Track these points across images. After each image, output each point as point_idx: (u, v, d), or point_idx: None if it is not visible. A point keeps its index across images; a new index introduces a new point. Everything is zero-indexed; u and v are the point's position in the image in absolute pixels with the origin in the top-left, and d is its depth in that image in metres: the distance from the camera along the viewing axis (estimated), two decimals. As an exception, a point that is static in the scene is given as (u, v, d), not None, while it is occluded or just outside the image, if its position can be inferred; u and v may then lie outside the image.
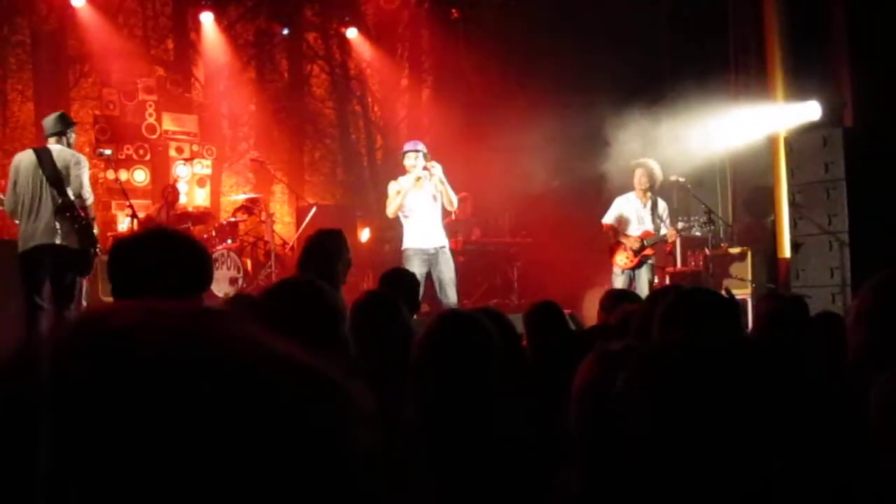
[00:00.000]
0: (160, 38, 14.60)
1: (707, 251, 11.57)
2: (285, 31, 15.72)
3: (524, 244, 13.78)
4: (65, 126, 8.33)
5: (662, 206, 10.79)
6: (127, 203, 10.54)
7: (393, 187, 9.84)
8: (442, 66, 15.81)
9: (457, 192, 10.17)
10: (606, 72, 12.86)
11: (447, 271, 9.72)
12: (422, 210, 9.77)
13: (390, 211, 9.83)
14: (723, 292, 9.61)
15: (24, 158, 8.15)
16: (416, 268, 9.44)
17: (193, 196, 14.12)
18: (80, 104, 13.59)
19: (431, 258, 9.69)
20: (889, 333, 2.67)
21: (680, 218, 11.78)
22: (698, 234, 11.42)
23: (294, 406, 0.66)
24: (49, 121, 8.44)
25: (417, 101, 16.49)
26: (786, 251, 11.55)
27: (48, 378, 0.62)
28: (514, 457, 2.57)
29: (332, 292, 2.92)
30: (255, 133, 15.21)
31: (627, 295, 5.93)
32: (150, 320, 0.68)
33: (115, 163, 12.04)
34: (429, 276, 9.67)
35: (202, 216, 13.23)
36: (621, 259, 10.44)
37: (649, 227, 10.56)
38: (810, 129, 11.43)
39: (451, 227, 12.97)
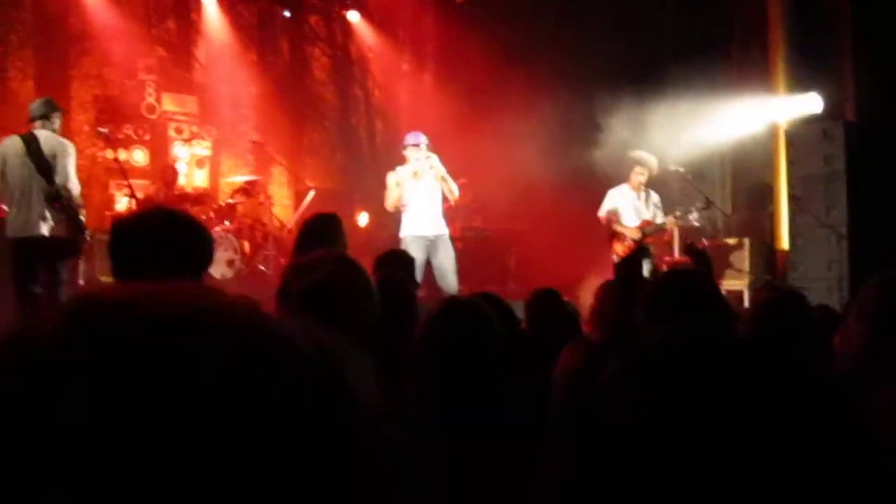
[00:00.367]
0: (161, 17, 14.54)
1: (705, 242, 11.57)
2: (287, 14, 15.68)
3: (522, 231, 13.78)
4: (49, 110, 8.23)
5: (656, 196, 10.79)
6: (125, 183, 10.52)
7: (392, 178, 9.82)
8: (444, 52, 15.77)
9: (456, 178, 10.15)
10: (607, 59, 12.85)
11: (447, 258, 9.73)
12: (421, 198, 9.76)
13: (389, 204, 9.82)
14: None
15: (12, 145, 8.03)
16: (415, 255, 9.44)
17: (192, 177, 14.10)
18: (81, 83, 13.54)
19: (430, 245, 9.68)
20: (891, 333, 2.66)
21: (678, 208, 11.76)
22: (697, 224, 11.41)
23: (299, 391, 0.65)
24: (34, 105, 8.38)
25: (419, 86, 16.45)
26: (784, 243, 11.55)
27: (48, 361, 0.61)
28: (516, 442, 2.57)
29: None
30: (256, 115, 15.17)
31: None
32: (149, 298, 0.66)
33: (114, 142, 12.00)
34: (427, 263, 9.67)
35: (201, 197, 13.21)
36: (621, 249, 10.44)
37: (647, 216, 10.56)
38: (811, 121, 11.43)
39: (451, 213, 12.95)
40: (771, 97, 12.20)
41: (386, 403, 0.71)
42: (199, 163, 14.30)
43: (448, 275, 9.62)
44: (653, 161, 10.67)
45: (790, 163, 11.28)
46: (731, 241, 11.94)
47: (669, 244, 11.77)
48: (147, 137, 13.67)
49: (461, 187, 13.30)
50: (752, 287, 10.81)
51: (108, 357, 0.61)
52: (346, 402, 0.67)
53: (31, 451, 0.58)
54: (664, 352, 1.33)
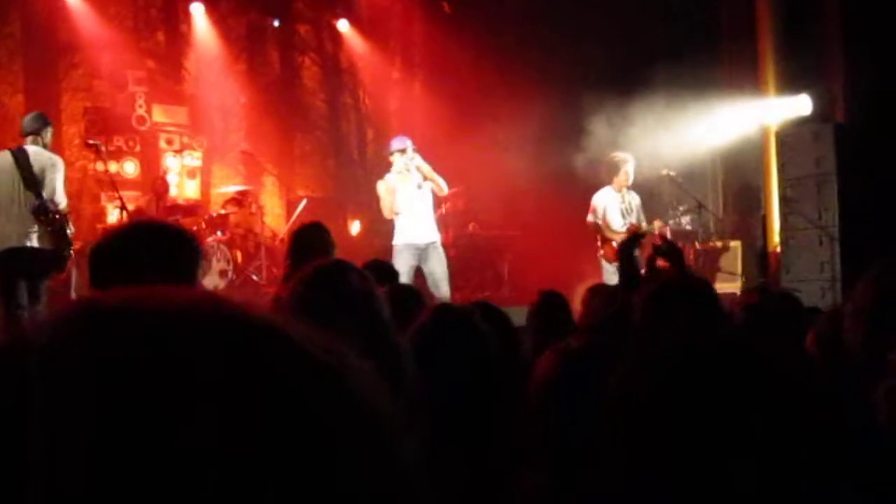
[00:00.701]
0: (151, 29, 14.52)
1: (697, 245, 11.59)
2: (276, 23, 15.67)
3: (514, 237, 13.80)
4: (41, 126, 8.40)
5: (637, 198, 10.78)
6: (116, 195, 10.50)
7: (382, 187, 9.84)
8: (433, 60, 15.78)
9: (450, 186, 10.16)
10: (596, 63, 12.89)
11: (439, 266, 9.73)
12: (412, 205, 9.76)
13: (387, 213, 9.83)
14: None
15: (1, 160, 8.17)
16: (406, 262, 9.45)
17: (183, 188, 14.07)
18: (71, 95, 13.51)
19: (422, 253, 9.69)
20: (888, 329, 2.65)
21: (669, 211, 11.78)
22: (688, 227, 11.42)
23: (308, 396, 0.63)
24: (26, 120, 8.56)
25: (409, 94, 16.46)
26: (776, 245, 11.57)
27: (41, 367, 0.59)
28: (507, 452, 2.56)
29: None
30: (246, 125, 15.15)
31: (608, 289, 5.92)
32: (149, 302, 0.65)
33: (106, 154, 11.98)
34: (419, 270, 9.67)
35: (192, 208, 13.19)
36: (611, 255, 10.42)
37: (633, 220, 10.55)
38: (801, 123, 11.45)
39: (443, 220, 12.97)
40: (761, 99, 12.23)
41: (399, 415, 0.71)
42: (190, 173, 14.28)
43: (440, 282, 9.62)
44: (631, 159, 10.67)
45: (781, 165, 11.29)
46: (723, 243, 11.96)
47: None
48: (138, 149, 13.65)
49: (455, 195, 13.39)
50: (745, 289, 10.82)
51: (111, 362, 0.59)
52: (356, 409, 0.66)
53: (26, 464, 0.56)
54: (693, 356, 1.32)
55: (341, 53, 16.34)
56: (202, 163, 14.44)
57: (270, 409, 0.61)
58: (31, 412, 0.57)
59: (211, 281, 11.63)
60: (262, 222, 13.11)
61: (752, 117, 12.27)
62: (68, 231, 8.27)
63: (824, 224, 10.49)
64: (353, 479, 0.63)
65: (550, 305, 5.33)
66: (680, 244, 11.75)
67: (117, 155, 13.28)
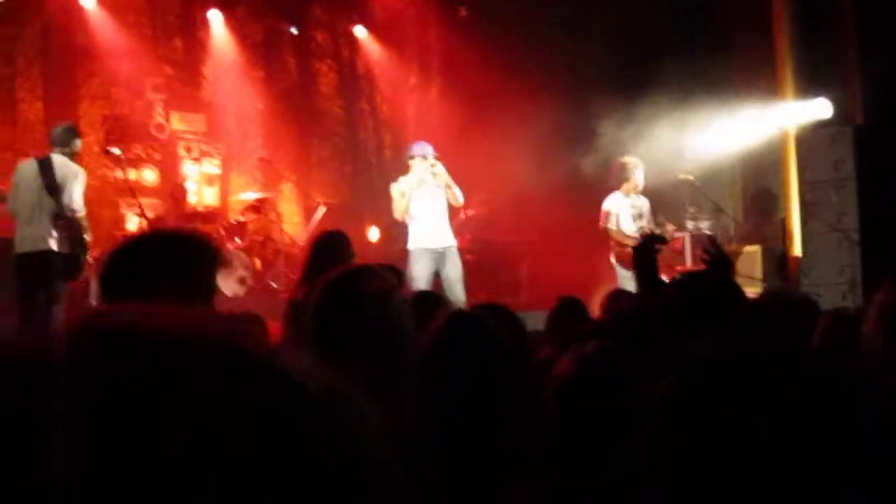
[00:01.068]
0: (168, 36, 14.57)
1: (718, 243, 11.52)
2: (294, 30, 15.70)
3: (533, 241, 13.77)
4: (69, 137, 8.82)
5: (647, 203, 10.75)
6: (136, 202, 10.56)
7: (395, 189, 9.83)
8: (450, 65, 15.78)
9: (472, 192, 10.15)
10: (612, 68, 12.86)
11: (455, 270, 9.71)
12: (427, 210, 9.75)
13: (398, 214, 9.83)
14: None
15: (27, 167, 8.66)
16: (424, 267, 9.44)
17: (202, 195, 14.11)
18: (89, 103, 13.57)
19: (439, 257, 9.67)
20: None
21: (688, 216, 11.74)
22: (707, 232, 11.37)
23: (293, 420, 0.64)
24: (57, 131, 8.97)
25: (425, 99, 16.47)
26: (796, 249, 11.51)
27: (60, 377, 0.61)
28: (519, 462, 2.54)
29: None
30: (263, 132, 15.18)
31: (627, 295, 5.91)
32: (156, 322, 0.67)
33: (125, 162, 12.02)
34: (437, 275, 9.66)
35: (211, 216, 13.23)
36: (626, 261, 10.38)
37: (645, 224, 10.51)
38: (820, 126, 11.39)
39: (461, 225, 12.99)
40: (778, 103, 12.18)
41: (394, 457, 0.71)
42: (209, 181, 14.32)
43: (456, 286, 9.60)
44: (642, 167, 10.64)
45: (800, 168, 11.24)
46: (743, 248, 11.91)
47: (681, 254, 11.74)
48: (157, 157, 13.71)
49: (480, 202, 13.44)
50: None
51: (107, 381, 0.61)
52: (343, 447, 0.66)
53: (25, 472, 0.58)
54: (749, 366, 1.31)
55: (358, 59, 16.36)
56: (221, 170, 14.48)
57: (253, 432, 0.62)
58: (51, 422, 0.59)
59: (230, 288, 11.65)
60: (281, 229, 13.14)
61: (770, 121, 12.22)
62: (85, 237, 8.57)
63: (844, 227, 10.43)
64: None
65: (569, 310, 5.33)
66: (699, 249, 11.73)
67: (136, 163, 13.34)
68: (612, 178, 10.74)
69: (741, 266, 11.47)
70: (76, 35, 13.16)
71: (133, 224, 12.11)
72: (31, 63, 13.01)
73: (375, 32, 16.02)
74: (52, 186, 8.36)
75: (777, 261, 11.90)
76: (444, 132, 13.98)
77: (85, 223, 8.63)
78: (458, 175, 10.04)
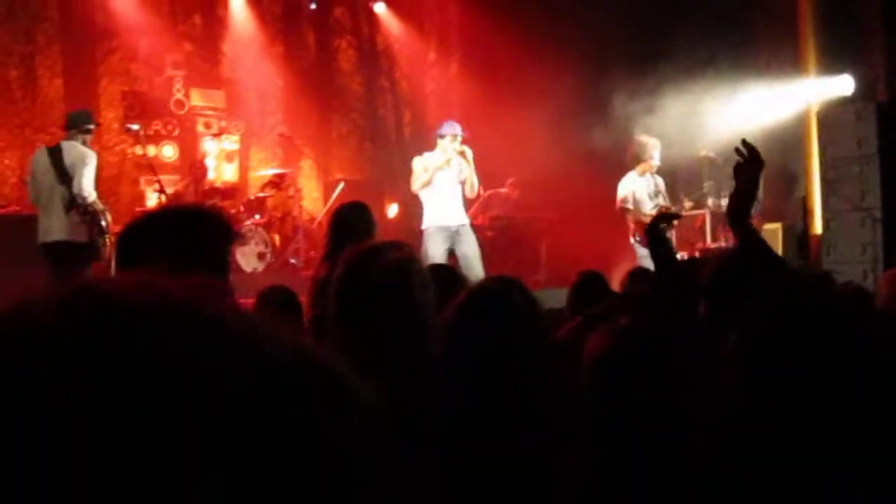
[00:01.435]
0: (188, 13, 14.57)
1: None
2: (313, 6, 15.67)
3: (553, 219, 13.74)
4: (81, 122, 8.82)
5: (662, 182, 10.70)
6: (155, 179, 10.58)
7: (419, 163, 9.80)
8: (469, 41, 15.73)
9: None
10: (634, 43, 12.78)
11: (472, 246, 9.70)
12: (445, 187, 9.74)
13: (416, 187, 9.79)
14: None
15: (40, 156, 8.75)
16: (440, 245, 9.43)
17: (221, 171, 14.13)
18: (109, 80, 13.60)
19: (453, 235, 9.67)
20: None
21: (709, 194, 11.68)
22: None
23: (279, 395, 0.63)
24: (72, 115, 9.05)
25: (445, 75, 16.44)
26: (817, 227, 11.45)
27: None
28: (545, 432, 2.55)
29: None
30: (283, 108, 15.19)
31: (648, 274, 5.89)
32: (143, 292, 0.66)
33: (144, 138, 12.05)
34: (451, 253, 9.66)
35: (230, 192, 13.25)
36: (644, 239, 10.35)
37: (662, 203, 10.47)
38: (843, 103, 11.30)
39: (485, 202, 13.01)
40: (801, 80, 12.09)
41: (377, 412, 0.70)
42: (228, 157, 14.33)
43: (474, 263, 9.58)
44: (659, 146, 10.58)
45: (822, 146, 11.16)
46: (763, 225, 11.85)
47: (701, 230, 11.69)
48: (176, 133, 13.72)
49: (509, 186, 13.46)
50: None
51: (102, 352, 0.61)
52: (333, 411, 0.66)
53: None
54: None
55: (377, 36, 16.34)
56: (240, 146, 14.50)
57: (194, 392, 0.61)
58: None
59: (249, 264, 11.68)
60: (300, 205, 13.15)
61: (792, 98, 12.13)
62: (103, 222, 8.59)
63: (866, 206, 10.36)
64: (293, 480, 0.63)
65: (590, 285, 5.31)
66: (720, 227, 11.68)
67: (156, 139, 13.36)
68: (628, 157, 10.68)
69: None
70: (96, 12, 13.17)
71: (152, 200, 12.13)
72: (51, 41, 13.04)
73: (394, 8, 15.98)
74: (63, 174, 8.45)
75: (798, 239, 11.84)
76: (463, 108, 13.95)
77: (100, 206, 8.64)
78: (478, 150, 10.01)
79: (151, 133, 13.18)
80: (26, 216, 9.68)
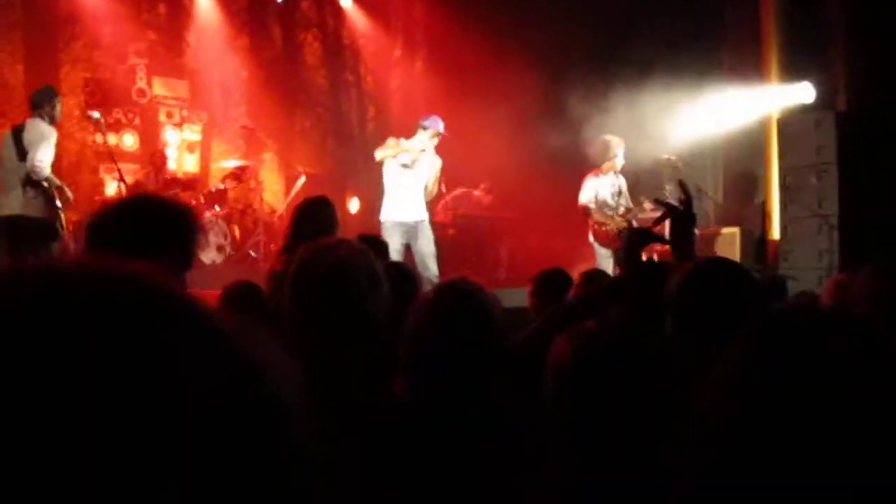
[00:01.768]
0: (152, 1, 14.44)
1: (696, 231, 11.53)
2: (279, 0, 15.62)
3: (513, 219, 13.77)
4: (42, 99, 8.78)
5: (624, 182, 10.77)
6: (115, 167, 10.50)
7: (394, 140, 9.83)
8: (435, 38, 15.72)
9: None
10: (598, 46, 12.83)
11: (427, 244, 9.74)
12: (407, 182, 9.76)
13: (380, 155, 9.82)
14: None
15: (5, 136, 8.78)
16: (397, 240, 9.45)
17: (182, 162, 14.05)
18: (71, 66, 13.45)
19: (411, 231, 9.69)
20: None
21: (668, 198, 11.74)
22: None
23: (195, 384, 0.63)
24: (34, 94, 9.03)
25: (410, 72, 16.42)
26: (775, 233, 11.56)
27: None
28: (512, 433, 2.55)
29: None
30: (247, 100, 15.10)
31: (604, 276, 5.91)
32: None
33: (105, 126, 11.94)
34: (408, 248, 9.68)
35: (191, 182, 13.18)
36: (602, 237, 10.39)
37: (625, 204, 10.53)
38: (803, 111, 11.42)
39: (457, 200, 13.04)
40: (763, 86, 12.19)
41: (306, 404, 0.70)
42: (190, 147, 14.25)
43: (428, 260, 9.62)
44: (623, 146, 10.65)
45: (782, 153, 11.26)
46: (722, 229, 11.95)
47: (660, 233, 11.74)
48: (137, 122, 13.63)
49: (482, 190, 13.52)
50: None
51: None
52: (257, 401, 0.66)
53: None
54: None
55: (343, 30, 16.29)
56: (202, 137, 14.41)
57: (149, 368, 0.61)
58: None
59: (208, 256, 11.62)
60: (261, 198, 13.10)
61: (753, 104, 12.23)
62: (57, 202, 8.57)
63: (824, 213, 10.47)
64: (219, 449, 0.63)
65: (553, 283, 5.31)
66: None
67: (116, 127, 13.26)
68: (593, 156, 10.74)
69: (719, 248, 11.51)
70: (59, -2, 13.03)
71: (112, 189, 12.05)
72: (13, 26, 12.88)
73: (361, 3, 15.94)
74: (21, 152, 8.45)
75: (755, 244, 11.95)
76: (426, 105, 13.93)
77: (57, 182, 8.64)
78: (440, 148, 10.03)
79: (112, 121, 13.07)
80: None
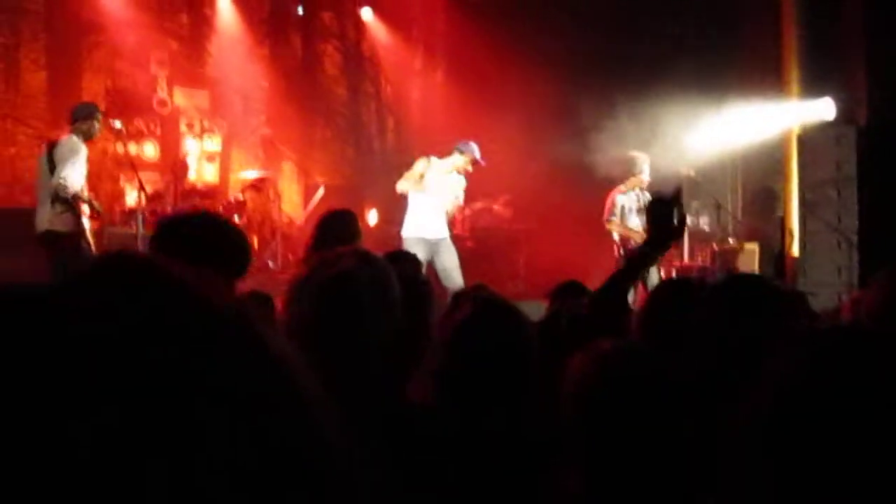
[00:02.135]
0: (174, 11, 14.51)
1: (714, 246, 11.52)
2: (300, 10, 15.66)
3: (532, 230, 13.75)
4: (79, 115, 8.91)
5: (650, 198, 10.70)
6: (135, 176, 10.54)
7: (421, 166, 9.81)
8: (455, 50, 15.74)
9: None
10: (620, 60, 12.82)
11: (451, 258, 9.75)
12: (429, 202, 9.77)
13: (402, 187, 9.82)
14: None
15: (43, 153, 8.91)
16: (418, 255, 9.45)
17: (202, 172, 14.09)
18: (93, 75, 13.52)
19: (433, 247, 9.70)
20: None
21: (689, 213, 11.71)
22: (706, 228, 11.35)
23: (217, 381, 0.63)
24: (75, 107, 9.15)
25: (430, 83, 16.45)
26: (794, 248, 11.51)
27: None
28: (533, 451, 2.55)
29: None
30: (267, 110, 15.15)
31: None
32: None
33: (126, 135, 12.00)
34: (429, 264, 9.69)
35: (210, 192, 13.22)
36: (627, 252, 10.35)
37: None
38: (824, 126, 11.37)
39: (478, 214, 13.07)
40: (784, 101, 12.16)
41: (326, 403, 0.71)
42: (210, 157, 14.30)
43: (453, 273, 9.63)
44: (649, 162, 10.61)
45: (802, 168, 11.22)
46: (741, 244, 11.91)
47: (678, 248, 11.72)
48: (158, 131, 13.67)
49: (503, 203, 13.52)
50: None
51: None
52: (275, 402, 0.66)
53: None
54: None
55: (364, 41, 16.33)
56: (222, 147, 14.45)
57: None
58: None
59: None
60: (280, 209, 13.13)
61: (775, 119, 12.20)
62: (83, 219, 8.64)
63: (843, 229, 10.43)
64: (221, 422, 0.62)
65: (571, 293, 5.28)
66: (697, 245, 11.73)
67: (137, 136, 13.31)
68: (618, 172, 10.70)
69: (738, 263, 11.47)
70: (82, 6, 13.10)
71: (132, 198, 12.09)
72: (37, 33, 12.96)
73: (381, 15, 15.98)
74: (52, 167, 8.54)
75: (774, 259, 11.90)
76: (447, 117, 13.96)
77: (85, 197, 8.70)
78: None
79: (133, 130, 13.13)
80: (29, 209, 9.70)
